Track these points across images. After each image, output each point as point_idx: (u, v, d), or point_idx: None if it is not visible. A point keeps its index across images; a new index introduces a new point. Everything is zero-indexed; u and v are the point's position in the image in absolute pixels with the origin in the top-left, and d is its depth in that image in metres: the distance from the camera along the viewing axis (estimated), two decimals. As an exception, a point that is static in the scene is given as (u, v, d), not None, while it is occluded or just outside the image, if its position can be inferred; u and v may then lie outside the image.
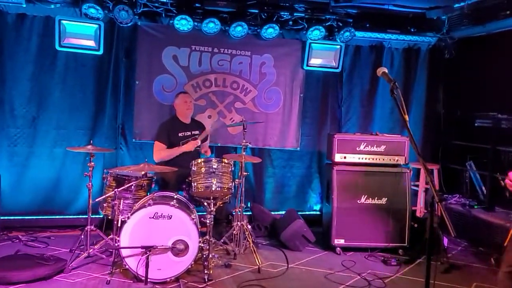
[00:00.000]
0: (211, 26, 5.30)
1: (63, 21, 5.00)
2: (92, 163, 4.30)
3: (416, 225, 4.89)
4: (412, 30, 5.83)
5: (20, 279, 3.60)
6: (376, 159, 4.95)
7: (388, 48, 6.14)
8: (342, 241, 4.81)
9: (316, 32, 5.57)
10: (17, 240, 4.74)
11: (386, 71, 2.57)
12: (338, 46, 5.82)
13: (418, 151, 2.27)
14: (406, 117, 2.37)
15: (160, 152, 4.77)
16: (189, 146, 4.75)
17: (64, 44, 5.08)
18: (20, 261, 3.92)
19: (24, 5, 4.87)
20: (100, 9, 4.92)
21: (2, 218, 4.50)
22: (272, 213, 5.69)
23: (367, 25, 5.74)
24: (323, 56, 5.91)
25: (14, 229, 5.00)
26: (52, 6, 5.02)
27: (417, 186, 5.81)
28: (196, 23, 5.30)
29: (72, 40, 5.09)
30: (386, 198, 4.87)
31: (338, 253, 4.81)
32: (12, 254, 4.19)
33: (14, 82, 5.12)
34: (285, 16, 5.45)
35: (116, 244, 3.81)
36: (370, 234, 4.84)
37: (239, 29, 5.40)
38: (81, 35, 5.12)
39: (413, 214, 5.11)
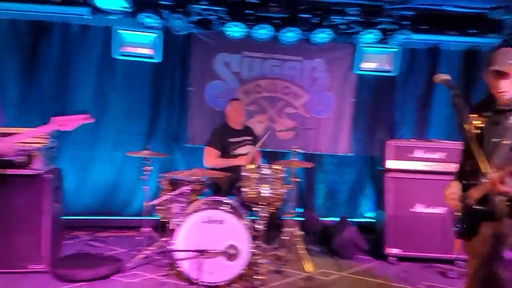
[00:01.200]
0: (263, 32, 5.34)
1: (122, 31, 5.24)
2: (148, 167, 4.45)
3: None
4: (473, 31, 5.56)
5: (83, 277, 3.79)
6: (431, 166, 4.76)
7: (446, 50, 5.90)
8: (396, 251, 4.67)
9: (369, 36, 5.46)
10: (79, 239, 5.00)
11: (448, 77, 2.47)
12: (393, 50, 5.67)
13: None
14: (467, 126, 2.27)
15: (213, 159, 4.85)
16: (242, 161, 4.76)
17: (123, 53, 5.32)
18: (82, 260, 4.13)
19: (88, 17, 5.13)
20: (157, 19, 5.10)
21: (65, 218, 4.74)
22: (323, 219, 5.63)
23: (424, 27, 5.54)
24: (376, 60, 5.78)
25: (76, 229, 5.28)
26: (112, 17, 5.26)
27: None
28: (247, 29, 5.37)
29: (129, 49, 5.33)
30: (443, 207, 4.67)
31: (392, 262, 4.67)
32: (75, 253, 4.45)
33: (77, 90, 5.42)
34: (337, 20, 5.38)
35: (170, 247, 3.91)
36: (427, 244, 4.64)
37: (290, 34, 5.40)
38: (138, 43, 5.34)
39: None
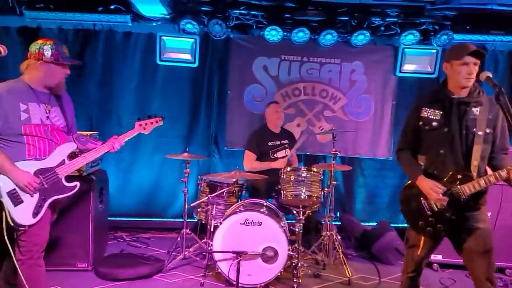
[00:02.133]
0: (301, 35, 5.34)
1: (163, 37, 5.38)
2: (188, 170, 4.54)
3: (525, 244, 4.44)
4: (520, 30, 5.34)
5: (125, 276, 3.92)
6: (477, 170, 4.59)
7: (492, 50, 5.69)
8: (439, 257, 4.52)
9: (410, 37, 5.34)
10: (122, 240, 5.16)
11: (490, 75, 2.43)
12: (434, 51, 5.53)
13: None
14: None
15: (251, 163, 4.89)
16: (278, 164, 4.77)
17: (164, 58, 5.46)
18: (125, 260, 4.26)
19: (130, 24, 5.31)
20: (196, 24, 5.21)
21: (109, 219, 4.90)
22: (363, 224, 5.53)
23: (467, 27, 5.37)
24: (417, 62, 5.65)
25: (119, 229, 5.44)
26: (154, 24, 5.42)
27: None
28: (285, 33, 5.38)
29: (170, 54, 5.47)
30: (490, 213, 4.48)
31: (435, 269, 4.53)
32: (118, 253, 4.59)
33: (120, 94, 5.61)
34: (376, 22, 5.31)
35: (209, 248, 3.97)
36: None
37: (328, 37, 5.37)
38: (179, 49, 5.47)
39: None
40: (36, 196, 2.70)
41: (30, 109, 2.71)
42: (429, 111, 2.69)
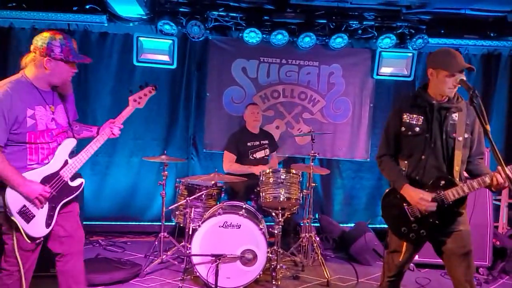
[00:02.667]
0: (280, 37, 5.35)
1: (140, 38, 5.31)
2: (166, 172, 4.48)
3: (498, 243, 4.55)
4: (492, 34, 5.48)
5: (100, 282, 3.82)
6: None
7: (465, 54, 5.82)
8: (416, 257, 4.56)
9: (386, 40, 5.42)
10: (97, 244, 5.05)
11: (464, 78, 2.48)
12: (410, 54, 5.63)
13: (502, 163, 2.12)
14: (488, 127, 2.25)
15: (231, 164, 4.88)
16: (258, 170, 4.72)
17: (141, 59, 5.39)
18: (101, 264, 4.16)
19: (106, 24, 5.22)
20: (174, 25, 5.16)
21: (84, 223, 4.78)
22: (341, 225, 5.58)
23: (442, 31, 5.49)
24: (394, 65, 5.75)
25: (94, 234, 5.33)
26: (131, 24, 5.34)
27: (499, 200, 5.40)
28: (264, 35, 5.39)
29: (148, 55, 5.40)
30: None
31: (412, 269, 4.58)
32: (93, 257, 4.48)
33: (96, 96, 5.51)
34: (354, 25, 5.37)
35: (188, 252, 3.92)
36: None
37: (307, 40, 5.40)
38: (156, 50, 5.41)
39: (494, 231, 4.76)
40: (46, 206, 2.58)
41: (37, 114, 2.51)
42: (411, 116, 2.68)
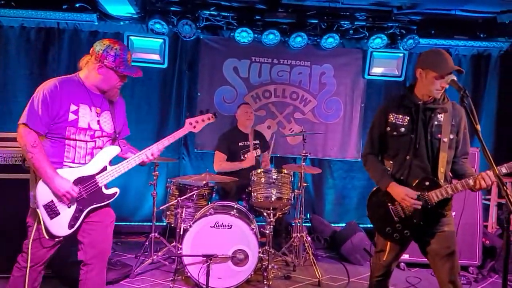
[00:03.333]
0: (271, 37, 5.35)
1: (131, 37, 5.27)
2: (157, 172, 4.46)
3: (487, 242, 4.59)
4: (482, 35, 5.54)
5: (90, 282, 3.78)
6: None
7: (455, 55, 5.87)
8: (406, 256, 4.60)
9: (377, 41, 5.44)
10: (87, 245, 5.00)
11: (455, 78, 2.47)
12: (401, 54, 5.66)
13: (492, 163, 2.13)
14: (478, 126, 2.24)
15: (221, 163, 4.86)
16: (248, 162, 4.78)
17: (132, 58, 5.32)
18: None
19: (96, 23, 5.18)
20: (165, 24, 5.13)
21: (74, 223, 4.75)
22: (332, 225, 5.59)
23: (432, 32, 5.53)
24: (385, 65, 5.78)
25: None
26: (121, 23, 5.31)
27: (489, 200, 5.45)
28: (256, 35, 5.38)
29: (139, 54, 5.36)
30: (454, 212, 4.60)
31: (402, 268, 4.61)
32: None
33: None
34: (345, 25, 5.39)
35: (179, 252, 3.90)
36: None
37: (298, 40, 5.41)
38: (147, 49, 5.38)
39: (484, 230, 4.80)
40: (74, 206, 2.57)
41: (80, 111, 2.57)
42: (396, 116, 2.68)
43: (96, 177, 2.63)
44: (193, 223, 3.84)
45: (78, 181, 2.57)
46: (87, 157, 2.63)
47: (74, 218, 2.58)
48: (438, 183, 2.56)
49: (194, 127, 3.08)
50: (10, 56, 5.28)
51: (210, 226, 3.80)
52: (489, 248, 4.57)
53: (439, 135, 2.59)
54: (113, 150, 2.72)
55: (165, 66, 5.45)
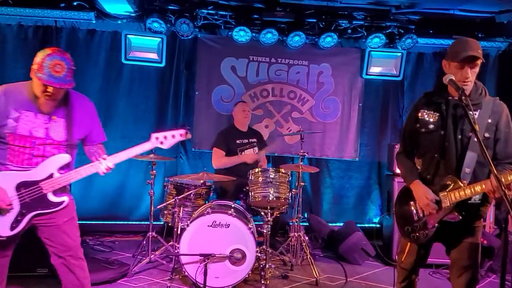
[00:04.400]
0: (269, 36, 5.34)
1: (129, 36, 5.25)
2: (154, 171, 4.45)
3: (485, 242, 4.59)
4: (480, 35, 5.53)
5: (87, 281, 3.77)
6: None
7: (453, 54, 5.86)
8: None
9: (376, 40, 5.44)
10: (85, 244, 4.98)
11: (453, 77, 2.42)
12: (399, 54, 5.65)
13: (490, 163, 2.12)
14: (477, 127, 2.23)
15: (220, 159, 4.85)
16: (249, 157, 4.79)
17: (130, 57, 5.33)
18: (88, 264, 4.09)
19: (94, 22, 5.16)
20: (163, 23, 5.11)
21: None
22: (330, 224, 5.59)
23: (431, 31, 5.52)
24: (383, 64, 5.76)
25: (82, 233, 5.23)
26: (119, 22, 5.29)
27: (486, 200, 5.45)
28: (254, 34, 5.38)
29: (136, 53, 5.34)
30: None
31: (400, 268, 4.61)
32: (80, 257, 4.42)
33: (84, 94, 5.41)
34: (343, 25, 5.38)
35: (176, 251, 3.90)
36: (435, 249, 4.57)
37: (296, 39, 5.40)
38: (145, 48, 5.35)
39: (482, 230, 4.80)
40: (16, 209, 2.54)
41: (22, 118, 2.52)
42: (427, 113, 2.55)
43: (40, 183, 2.59)
44: (190, 222, 3.84)
45: (22, 185, 2.55)
46: (32, 162, 2.59)
47: (16, 221, 2.55)
48: (459, 184, 2.41)
49: (161, 142, 2.82)
50: (7, 54, 5.26)
51: (208, 225, 3.79)
52: (487, 248, 4.57)
53: (470, 133, 2.40)
54: (61, 159, 2.66)
55: (162, 65, 5.43)
